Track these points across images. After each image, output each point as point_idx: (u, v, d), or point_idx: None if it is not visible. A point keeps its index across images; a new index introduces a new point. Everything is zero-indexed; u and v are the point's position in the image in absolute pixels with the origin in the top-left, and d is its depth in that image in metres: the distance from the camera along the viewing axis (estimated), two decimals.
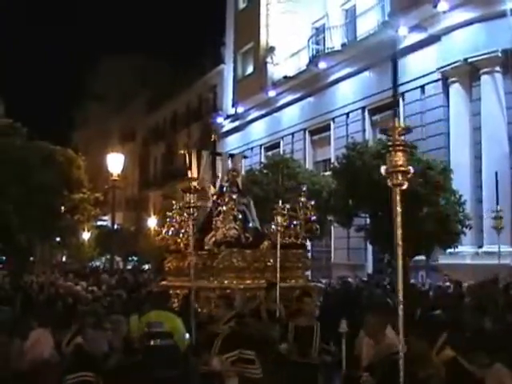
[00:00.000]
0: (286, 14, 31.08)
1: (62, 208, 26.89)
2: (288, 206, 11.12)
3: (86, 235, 41.18)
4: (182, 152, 13.73)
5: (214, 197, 11.79)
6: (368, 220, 17.02)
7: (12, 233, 18.34)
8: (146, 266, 37.34)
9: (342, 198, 16.04)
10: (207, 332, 6.80)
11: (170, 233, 11.36)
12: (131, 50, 58.56)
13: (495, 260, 15.96)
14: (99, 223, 42.95)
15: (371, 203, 14.79)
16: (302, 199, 11.45)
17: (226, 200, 10.69)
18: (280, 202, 10.23)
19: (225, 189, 11.37)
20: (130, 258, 43.34)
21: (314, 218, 11.50)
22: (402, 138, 4.26)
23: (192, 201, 7.61)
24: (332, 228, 22.70)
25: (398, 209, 4.33)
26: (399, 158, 4.26)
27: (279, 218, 9.94)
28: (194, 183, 7.83)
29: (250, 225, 11.55)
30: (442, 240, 14.97)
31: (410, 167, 4.27)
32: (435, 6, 20.39)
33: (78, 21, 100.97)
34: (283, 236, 10.65)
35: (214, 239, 10.75)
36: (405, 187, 4.26)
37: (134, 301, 11.42)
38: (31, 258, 34.07)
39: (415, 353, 4.90)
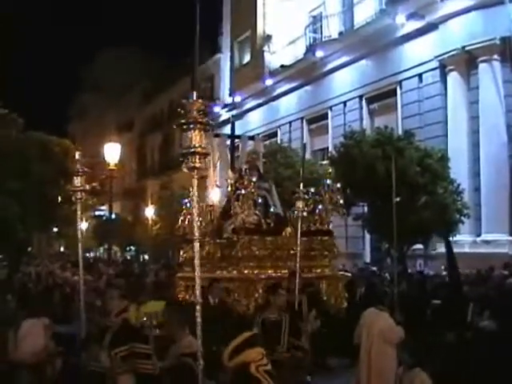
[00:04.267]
0: (282, 2, 30.90)
1: (59, 198, 26.79)
2: (312, 189, 10.31)
3: (83, 225, 41.04)
4: None
5: (233, 181, 10.85)
6: (366, 209, 17.00)
7: (10, 224, 18.24)
8: (145, 256, 37.31)
9: None
10: (99, 324, 6.16)
11: (187, 221, 10.42)
12: (129, 42, 58.33)
13: (493, 249, 15.95)
14: (97, 213, 42.85)
15: (369, 192, 14.75)
16: (328, 182, 10.68)
17: (245, 184, 9.80)
18: (301, 185, 8.93)
19: (244, 172, 10.42)
20: (127, 248, 43.26)
21: (341, 201, 10.80)
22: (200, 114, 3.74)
23: (79, 184, 6.47)
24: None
25: (195, 193, 4.00)
26: (195, 138, 3.75)
27: (300, 204, 8.81)
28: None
29: (272, 210, 10.67)
30: (440, 229, 14.93)
31: (209, 148, 3.78)
32: None
33: (75, 13, 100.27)
34: (308, 222, 9.94)
35: (232, 226, 9.95)
36: (200, 172, 3.79)
37: (133, 291, 11.27)
38: (29, 249, 34.01)
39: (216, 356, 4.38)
